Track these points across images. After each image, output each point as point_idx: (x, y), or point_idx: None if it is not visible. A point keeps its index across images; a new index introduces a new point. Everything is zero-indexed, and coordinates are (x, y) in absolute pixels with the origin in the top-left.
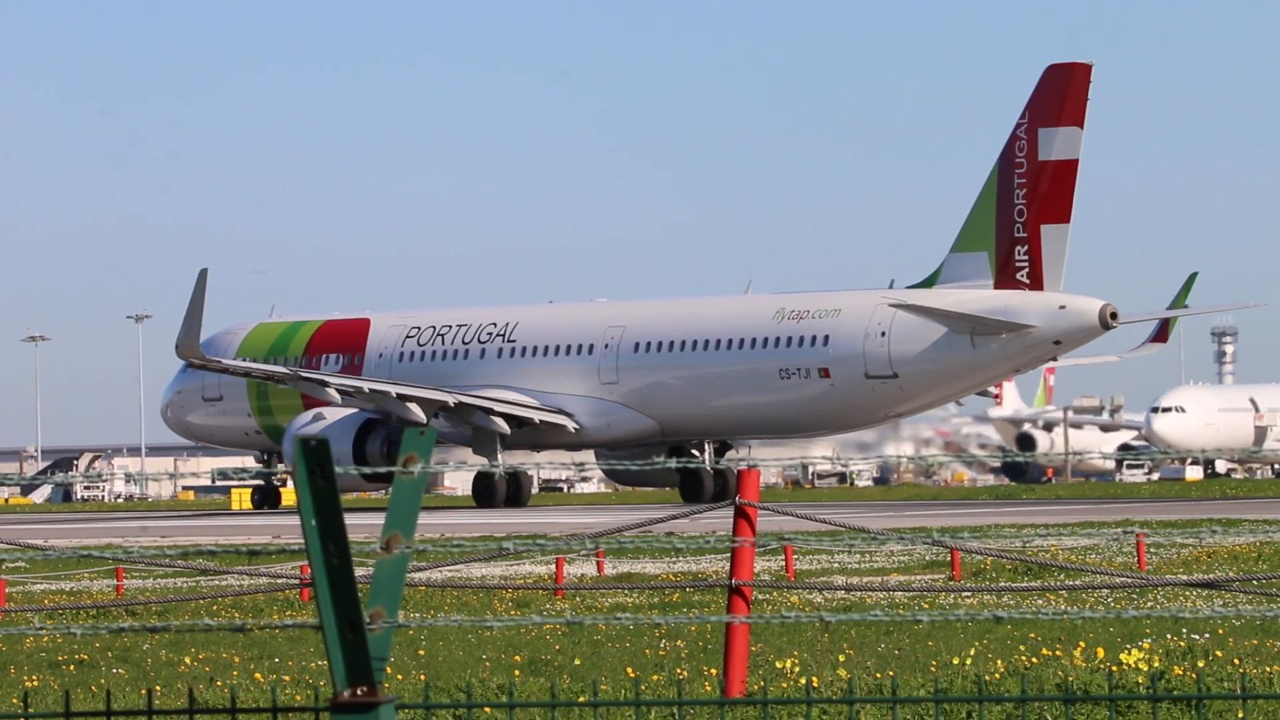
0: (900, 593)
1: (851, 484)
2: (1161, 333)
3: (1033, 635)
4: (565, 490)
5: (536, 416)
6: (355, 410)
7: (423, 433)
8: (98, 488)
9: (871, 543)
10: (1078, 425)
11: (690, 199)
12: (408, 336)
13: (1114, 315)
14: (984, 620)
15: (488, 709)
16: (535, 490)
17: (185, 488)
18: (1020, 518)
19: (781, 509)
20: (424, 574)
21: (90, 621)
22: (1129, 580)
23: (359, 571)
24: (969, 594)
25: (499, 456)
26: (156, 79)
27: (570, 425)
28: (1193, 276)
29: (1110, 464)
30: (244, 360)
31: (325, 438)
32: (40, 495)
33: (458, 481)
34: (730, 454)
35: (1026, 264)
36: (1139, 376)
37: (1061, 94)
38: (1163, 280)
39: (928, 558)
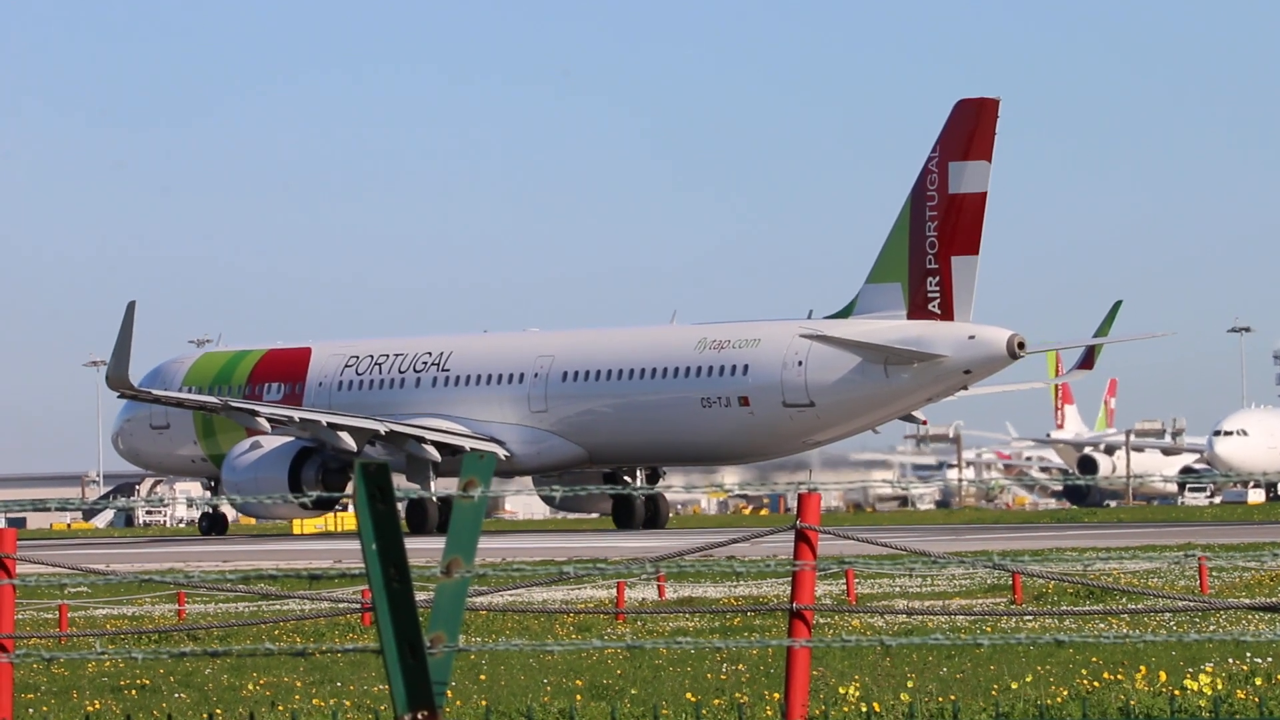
0: (962, 616)
1: (913, 507)
2: (1088, 360)
3: (1095, 659)
4: None
5: (467, 444)
6: (292, 439)
7: (483, 457)
8: (159, 512)
9: (933, 566)
10: (1139, 448)
11: (617, 233)
12: (346, 365)
13: (1021, 345)
14: (1046, 644)
15: None
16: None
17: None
18: (1082, 541)
19: (842, 532)
20: (485, 598)
21: (152, 646)
22: (1191, 604)
23: (420, 596)
24: (1030, 618)
25: (432, 484)
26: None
27: (501, 453)
28: (1117, 305)
29: (1172, 487)
30: (190, 390)
31: (385, 462)
32: (102, 520)
33: (518, 505)
34: (661, 481)
35: (938, 295)
36: (1201, 400)
37: (970, 128)
38: (1085, 309)
39: (989, 581)
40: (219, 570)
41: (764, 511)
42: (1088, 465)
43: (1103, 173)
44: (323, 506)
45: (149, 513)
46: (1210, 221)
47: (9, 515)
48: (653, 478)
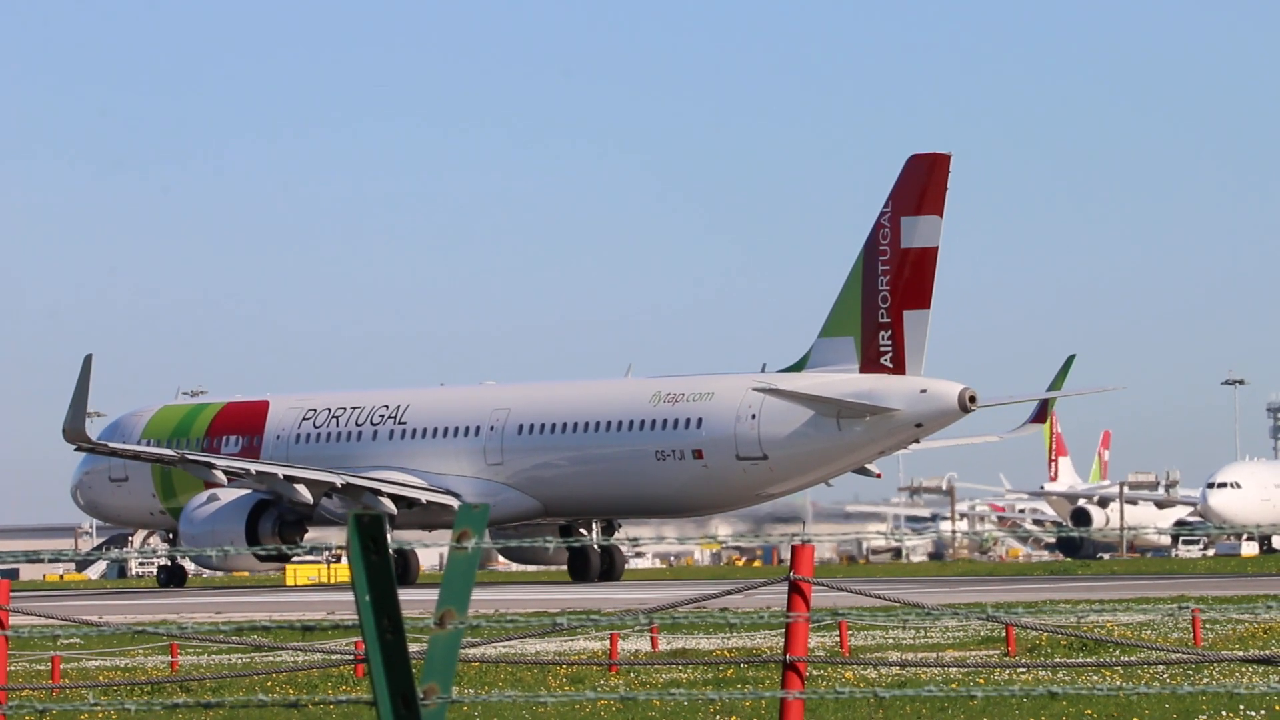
0: (955, 668)
1: (906, 559)
2: (1041, 414)
3: (1088, 711)
4: None
5: (424, 497)
6: (249, 491)
7: (476, 508)
8: (152, 564)
9: (926, 618)
10: (1133, 501)
11: (573, 287)
12: (304, 418)
13: (973, 399)
14: (1039, 696)
15: None
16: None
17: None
18: (1075, 593)
19: (836, 584)
20: (478, 649)
21: (145, 697)
22: (1185, 656)
23: (413, 647)
24: (1024, 670)
25: (388, 537)
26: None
27: (457, 505)
28: (1070, 359)
29: (1166, 539)
30: (148, 442)
31: (380, 513)
32: (95, 571)
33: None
34: (618, 534)
35: (890, 349)
36: (1195, 452)
37: (922, 183)
38: (1038, 363)
39: (983, 633)
40: (212, 621)
41: (757, 563)
42: (1081, 517)
43: (1078, 226)
44: (280, 559)
45: (141, 564)
46: (1204, 274)
47: (2, 566)
48: (608, 530)
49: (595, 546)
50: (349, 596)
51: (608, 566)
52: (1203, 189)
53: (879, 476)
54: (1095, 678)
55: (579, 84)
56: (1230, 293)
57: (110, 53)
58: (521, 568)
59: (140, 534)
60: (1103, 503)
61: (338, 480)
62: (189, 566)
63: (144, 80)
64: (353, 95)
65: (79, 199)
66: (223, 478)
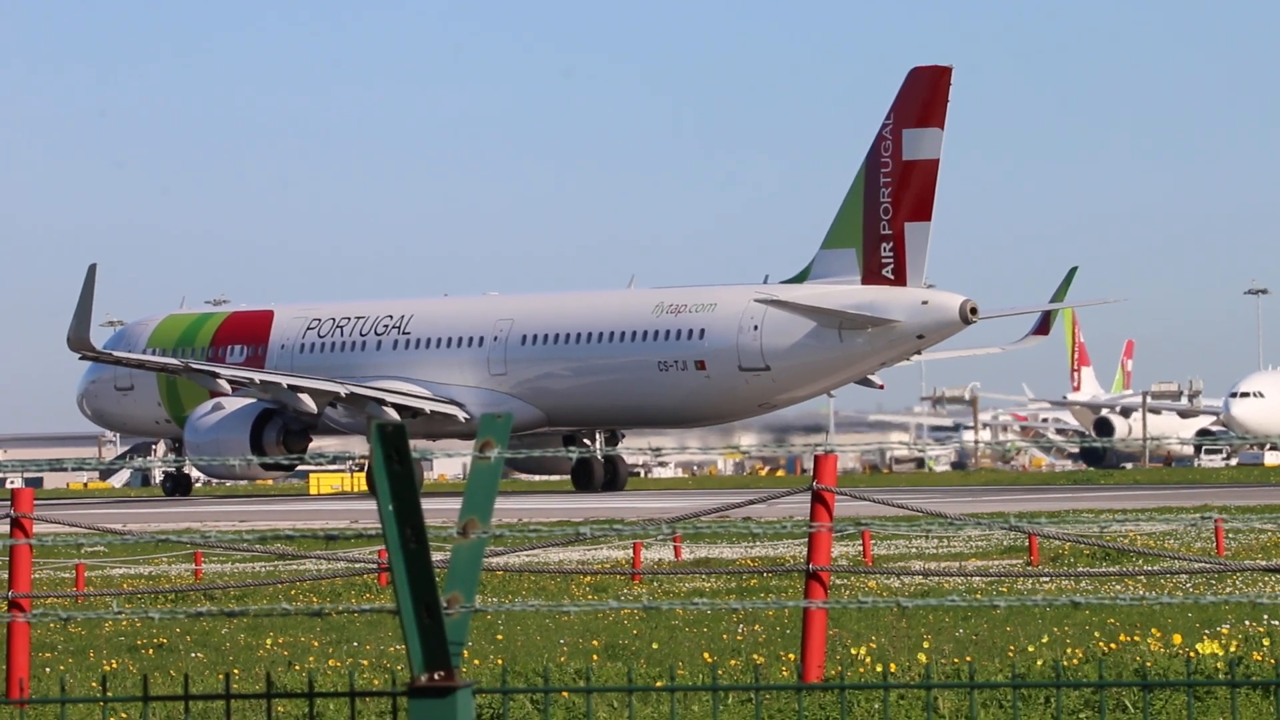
0: (978, 578)
1: (929, 469)
2: (1043, 325)
3: (1111, 621)
4: (642, 475)
5: (427, 407)
6: (253, 400)
7: (499, 418)
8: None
9: (949, 528)
10: (1156, 410)
11: (576, 199)
12: (308, 328)
13: (974, 310)
14: (1062, 606)
15: (565, 694)
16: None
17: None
18: (1098, 503)
19: (859, 494)
20: (501, 558)
21: (169, 606)
22: (1207, 566)
23: (436, 556)
24: (1047, 579)
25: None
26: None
27: (461, 415)
28: (1072, 271)
29: (1189, 449)
30: (154, 351)
31: (402, 423)
32: (119, 480)
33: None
34: (622, 443)
35: (891, 260)
36: (1218, 361)
37: (924, 96)
38: (1042, 274)
39: (1005, 543)
40: (235, 530)
41: (780, 473)
42: (1104, 427)
43: (1086, 137)
44: (284, 468)
45: (165, 473)
46: (1228, 184)
47: (26, 475)
48: (611, 440)
49: (599, 456)
50: (372, 506)
51: (610, 476)
52: (1222, 96)
53: (882, 388)
54: (1118, 587)
55: (583, 1)
56: (1253, 202)
57: None
58: (529, 477)
59: (163, 442)
60: (1125, 412)
61: (342, 390)
62: (194, 474)
63: None
64: (359, 6)
65: (94, 109)
66: (227, 387)
